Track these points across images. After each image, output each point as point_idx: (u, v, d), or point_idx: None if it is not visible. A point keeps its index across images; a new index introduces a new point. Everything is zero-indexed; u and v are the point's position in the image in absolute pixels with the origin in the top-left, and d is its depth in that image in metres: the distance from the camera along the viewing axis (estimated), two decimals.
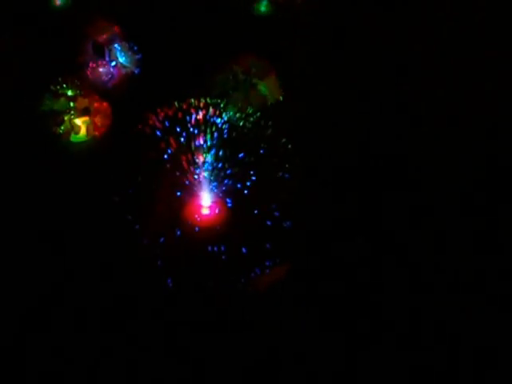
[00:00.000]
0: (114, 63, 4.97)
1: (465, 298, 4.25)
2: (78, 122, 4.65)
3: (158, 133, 4.19)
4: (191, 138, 4.09)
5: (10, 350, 3.90)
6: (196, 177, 4.10)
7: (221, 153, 4.04)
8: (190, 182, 4.10)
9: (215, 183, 4.10)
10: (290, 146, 4.32)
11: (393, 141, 4.94)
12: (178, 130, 4.13)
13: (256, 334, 4.01)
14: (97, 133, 4.68)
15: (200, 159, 4.05)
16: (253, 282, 4.06)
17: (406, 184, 4.73)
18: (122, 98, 4.88)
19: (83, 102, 4.67)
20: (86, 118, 4.67)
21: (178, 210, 4.15)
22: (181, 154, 4.09)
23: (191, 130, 4.10)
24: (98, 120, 4.68)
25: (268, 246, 4.05)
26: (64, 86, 4.59)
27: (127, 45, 5.03)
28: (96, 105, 4.70)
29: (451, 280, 4.32)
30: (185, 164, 4.08)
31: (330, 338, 4.06)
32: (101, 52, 4.96)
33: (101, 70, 4.95)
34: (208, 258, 4.01)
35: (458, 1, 5.85)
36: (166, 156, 4.13)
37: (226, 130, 4.13)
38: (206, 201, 4.17)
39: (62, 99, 4.56)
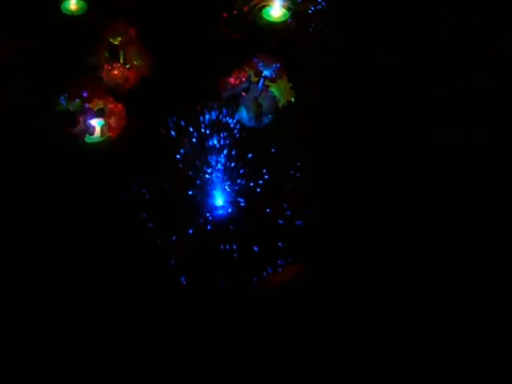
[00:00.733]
0: (128, 66, 5.05)
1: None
2: (93, 122, 4.71)
3: (172, 133, 4.25)
4: (204, 138, 4.16)
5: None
6: (209, 176, 4.16)
7: (233, 152, 4.10)
8: (202, 181, 4.16)
9: (228, 183, 4.16)
10: (301, 146, 4.38)
11: (404, 140, 4.98)
12: (191, 130, 4.19)
13: (265, 333, 4.05)
14: (111, 134, 4.75)
15: (213, 159, 4.12)
16: (265, 281, 4.11)
17: (417, 184, 4.76)
18: (137, 100, 4.95)
19: (98, 104, 4.73)
20: (101, 120, 4.74)
21: (191, 209, 4.22)
22: (194, 154, 4.16)
23: (204, 130, 4.16)
24: (112, 121, 4.74)
25: (280, 244, 4.10)
26: (80, 86, 4.65)
27: (142, 48, 5.10)
28: (111, 106, 4.76)
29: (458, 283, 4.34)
30: (198, 164, 4.14)
31: (339, 339, 4.09)
32: (116, 55, 5.03)
33: (116, 72, 5.01)
34: (220, 257, 4.07)
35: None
36: (179, 156, 4.19)
37: (237, 131, 4.19)
38: (218, 200, 4.23)
39: (78, 100, 4.63)
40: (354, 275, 4.28)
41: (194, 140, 4.17)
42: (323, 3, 5.56)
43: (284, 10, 5.71)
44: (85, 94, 4.65)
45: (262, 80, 4.77)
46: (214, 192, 4.17)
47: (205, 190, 4.17)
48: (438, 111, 5.17)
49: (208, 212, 4.11)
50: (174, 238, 4.03)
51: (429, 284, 4.24)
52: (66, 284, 4.14)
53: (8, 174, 4.61)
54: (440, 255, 4.35)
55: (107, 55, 5.06)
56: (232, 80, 4.79)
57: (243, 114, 4.73)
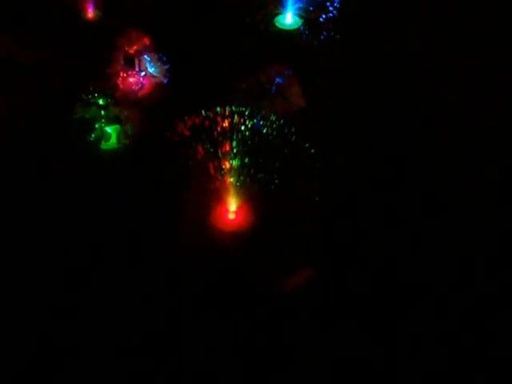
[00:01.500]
0: (143, 73, 5.12)
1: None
2: (109, 129, 4.79)
3: (186, 140, 4.32)
4: (217, 144, 4.22)
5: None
6: (222, 182, 4.22)
7: (246, 159, 4.16)
8: (216, 187, 4.22)
9: (241, 188, 4.21)
10: (312, 151, 4.43)
11: (412, 144, 5.03)
12: (205, 137, 4.26)
13: (275, 336, 4.11)
14: (127, 140, 4.83)
15: (226, 165, 4.17)
16: (279, 283, 4.16)
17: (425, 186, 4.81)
18: (152, 107, 5.03)
19: (114, 111, 4.81)
20: (117, 126, 4.81)
21: (206, 214, 4.28)
22: (208, 161, 4.22)
23: (217, 137, 4.22)
24: (128, 128, 4.83)
25: (292, 249, 4.16)
26: (95, 95, 4.74)
27: (156, 56, 5.19)
28: (126, 113, 4.85)
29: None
30: (212, 170, 4.20)
31: (350, 341, 4.14)
32: (131, 63, 5.13)
33: (131, 79, 5.10)
34: (234, 261, 4.12)
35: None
36: (193, 162, 4.25)
37: (250, 137, 4.25)
38: (232, 205, 4.29)
39: (94, 108, 4.71)
40: (362, 278, 4.34)
41: (207, 146, 4.23)
42: (334, 11, 5.63)
43: (296, 18, 5.78)
44: (101, 102, 4.74)
45: (274, 86, 4.84)
46: (228, 198, 4.23)
47: (218, 195, 4.23)
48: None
49: (221, 217, 4.19)
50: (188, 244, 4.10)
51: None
52: (76, 290, 4.24)
53: (23, 179, 4.70)
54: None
55: (123, 63, 5.15)
56: (245, 86, 4.87)
57: (256, 119, 4.79)
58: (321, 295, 4.22)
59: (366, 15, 5.80)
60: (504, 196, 4.86)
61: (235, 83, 4.92)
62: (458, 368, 4.17)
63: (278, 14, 5.80)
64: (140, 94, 5.10)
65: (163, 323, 4.12)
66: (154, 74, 5.19)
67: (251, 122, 4.52)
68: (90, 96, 4.74)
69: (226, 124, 4.20)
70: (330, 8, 5.69)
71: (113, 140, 4.80)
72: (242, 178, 4.25)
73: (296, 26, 5.79)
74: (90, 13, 5.50)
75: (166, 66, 5.25)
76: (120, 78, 5.08)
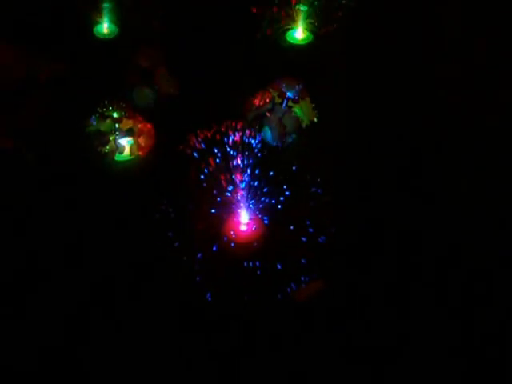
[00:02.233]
0: (157, 87, 5.23)
1: None
2: (123, 142, 4.88)
3: (198, 153, 4.39)
4: (229, 158, 4.29)
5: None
6: (233, 195, 4.29)
7: (257, 171, 4.23)
8: (227, 199, 4.29)
9: (252, 201, 4.28)
10: (321, 165, 4.49)
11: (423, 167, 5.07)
12: (216, 150, 4.33)
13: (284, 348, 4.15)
14: (140, 152, 4.92)
15: (237, 178, 4.25)
16: (291, 294, 4.20)
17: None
18: (164, 120, 5.12)
19: (127, 124, 4.90)
20: (130, 139, 4.90)
21: (216, 226, 4.35)
22: (219, 173, 4.29)
23: (229, 150, 4.29)
24: (141, 140, 4.91)
25: (303, 261, 4.21)
26: (110, 108, 4.83)
27: (169, 70, 5.28)
28: (140, 126, 4.93)
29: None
30: (223, 183, 4.27)
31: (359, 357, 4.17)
32: (145, 76, 5.22)
33: (145, 92, 5.20)
34: (244, 273, 4.18)
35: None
36: (204, 175, 4.32)
37: (261, 151, 4.32)
38: (243, 218, 4.35)
39: (108, 121, 4.81)
40: (374, 291, 4.38)
41: (218, 159, 4.30)
42: (345, 27, 5.72)
43: (307, 33, 5.87)
44: (115, 115, 4.85)
45: (285, 101, 4.93)
46: (239, 210, 4.30)
47: (229, 208, 4.30)
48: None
49: (232, 230, 4.25)
50: (199, 255, 4.16)
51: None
52: (91, 298, 4.29)
53: (37, 189, 4.79)
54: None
55: (137, 77, 5.25)
56: (256, 101, 4.95)
57: (267, 133, 4.87)
58: (331, 307, 4.28)
59: (378, 32, 5.88)
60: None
61: (246, 97, 5.00)
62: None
63: (289, 29, 5.90)
64: (154, 107, 5.21)
65: (174, 332, 4.18)
66: (167, 87, 5.30)
67: (262, 136, 4.61)
68: (104, 109, 4.84)
69: (237, 138, 4.29)
70: (341, 24, 5.79)
71: (126, 152, 4.90)
72: (252, 190, 4.33)
73: (307, 41, 5.89)
74: (106, 27, 5.63)
75: (178, 79, 5.35)
76: (134, 92, 5.19)
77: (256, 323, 4.17)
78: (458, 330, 4.21)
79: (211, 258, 4.22)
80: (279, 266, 4.11)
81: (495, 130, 5.19)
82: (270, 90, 4.99)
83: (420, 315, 4.26)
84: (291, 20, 5.86)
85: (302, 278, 4.19)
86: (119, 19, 5.70)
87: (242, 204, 4.30)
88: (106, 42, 5.65)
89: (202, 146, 4.42)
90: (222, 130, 4.37)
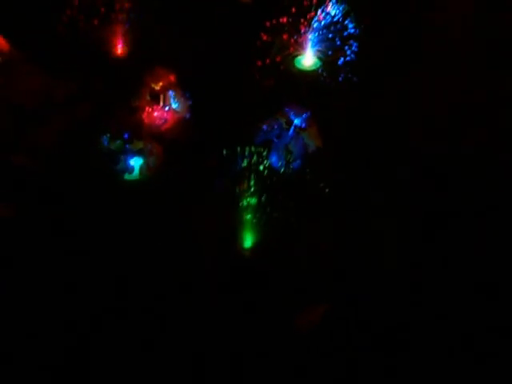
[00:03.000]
0: (167, 108, 5.32)
1: None
2: (133, 162, 4.97)
3: (207, 176, 4.48)
4: (236, 182, 4.38)
5: None
6: (240, 218, 4.38)
7: (263, 197, 4.32)
8: (233, 223, 4.37)
9: (258, 225, 4.37)
10: (327, 191, 4.57)
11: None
12: (225, 174, 4.42)
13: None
14: (149, 172, 5.00)
15: (244, 202, 4.34)
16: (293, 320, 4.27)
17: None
18: (174, 142, 5.21)
19: (138, 144, 5.00)
20: (140, 159, 4.99)
21: (221, 249, 4.43)
22: (226, 197, 4.38)
23: (237, 175, 4.39)
24: (150, 161, 5.01)
25: (307, 287, 4.28)
26: (123, 127, 4.93)
27: (180, 92, 5.37)
28: (150, 147, 5.03)
29: None
30: (229, 206, 4.36)
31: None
32: (157, 98, 5.31)
33: (156, 114, 5.29)
34: (250, 297, 4.25)
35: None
36: (213, 198, 4.41)
37: (268, 177, 4.42)
38: (247, 242, 4.43)
39: (120, 141, 4.91)
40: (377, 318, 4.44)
41: (227, 183, 4.40)
42: (352, 55, 5.84)
43: (316, 60, 5.99)
44: (126, 135, 4.96)
45: (292, 127, 5.04)
46: (244, 233, 4.40)
47: (235, 231, 4.39)
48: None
49: (237, 253, 4.35)
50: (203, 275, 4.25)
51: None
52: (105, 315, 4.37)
53: (47, 206, 4.87)
54: None
55: (148, 98, 5.35)
56: (265, 127, 5.06)
57: (274, 158, 4.98)
58: (334, 332, 4.34)
59: (384, 59, 6.00)
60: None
61: (255, 123, 5.11)
62: None
63: (297, 56, 6.02)
64: (163, 128, 5.31)
65: (177, 353, 4.24)
66: (177, 109, 5.41)
67: (269, 162, 4.71)
68: (117, 128, 4.94)
69: (244, 164, 4.40)
70: (348, 52, 5.91)
71: (136, 172, 4.99)
72: (258, 215, 4.42)
73: (315, 68, 6.00)
74: (120, 48, 5.75)
75: (189, 102, 5.46)
76: (145, 113, 5.30)
77: (259, 345, 4.23)
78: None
79: (216, 277, 4.30)
80: (286, 291, 4.18)
81: None
82: (278, 116, 5.07)
83: (421, 344, 4.33)
84: (300, 47, 5.99)
85: (306, 304, 4.26)
86: (134, 41, 5.84)
87: (247, 227, 4.38)
88: (119, 63, 5.78)
89: (211, 168, 4.52)
90: (231, 154, 4.47)
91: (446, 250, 4.76)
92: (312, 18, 5.82)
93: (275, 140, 4.91)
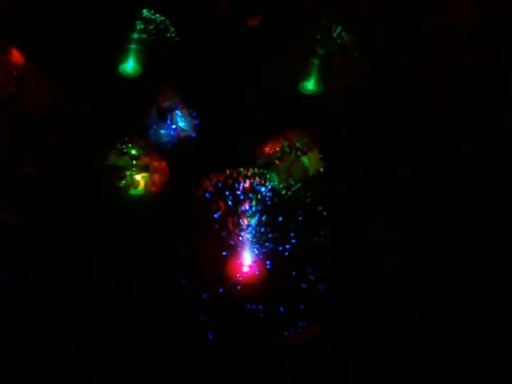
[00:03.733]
0: (174, 126, 5.49)
1: None
2: (138, 177, 5.12)
3: (209, 195, 4.62)
4: (238, 202, 4.52)
5: None
6: (240, 238, 4.51)
7: (264, 218, 4.46)
8: (234, 242, 4.51)
9: (257, 245, 4.50)
10: (325, 214, 4.71)
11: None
12: (227, 194, 4.56)
13: None
14: (154, 189, 5.16)
15: (245, 222, 4.48)
16: (286, 339, 4.38)
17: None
18: (180, 159, 5.37)
19: (144, 160, 5.16)
20: (145, 175, 5.15)
21: (222, 267, 4.56)
22: (228, 217, 4.52)
23: (238, 195, 4.53)
24: (155, 177, 5.16)
25: (302, 307, 4.40)
26: (129, 145, 5.09)
27: (187, 111, 5.54)
28: (155, 163, 5.18)
29: None
30: (231, 226, 4.49)
31: None
32: (164, 116, 5.48)
33: (162, 132, 5.46)
34: (246, 315, 4.37)
35: None
36: (214, 217, 4.54)
37: (269, 198, 4.56)
38: (247, 260, 4.56)
39: (126, 157, 5.07)
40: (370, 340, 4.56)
41: (229, 203, 4.53)
42: (354, 81, 6.03)
43: (319, 84, 6.17)
44: (133, 151, 5.12)
45: (294, 151, 5.20)
46: (244, 253, 4.53)
47: (236, 251, 4.53)
48: None
49: (238, 271, 4.48)
50: (204, 295, 4.36)
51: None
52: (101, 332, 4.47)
53: (54, 218, 5.00)
54: None
55: (156, 116, 5.52)
56: (267, 149, 5.23)
57: (275, 180, 5.13)
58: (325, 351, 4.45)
59: (386, 85, 6.17)
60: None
61: (257, 146, 5.28)
62: None
63: (302, 80, 6.20)
64: (169, 146, 5.53)
65: (175, 369, 4.32)
66: (184, 128, 5.58)
67: (270, 184, 4.85)
68: (124, 146, 5.12)
69: (247, 184, 4.53)
70: (350, 77, 6.10)
71: (141, 188, 5.15)
72: (258, 234, 4.56)
73: (319, 92, 6.17)
74: (131, 67, 5.96)
75: (195, 122, 5.63)
76: (152, 130, 5.48)
77: (254, 363, 4.35)
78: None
79: (216, 298, 4.41)
80: (281, 310, 4.30)
81: None
82: (281, 139, 5.24)
83: (418, 363, 4.43)
84: (305, 71, 6.18)
85: (300, 323, 4.37)
86: (143, 60, 6.04)
87: (246, 247, 4.51)
88: (130, 81, 5.98)
89: (214, 188, 4.65)
90: (234, 175, 4.61)
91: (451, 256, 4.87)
92: (316, 44, 6.00)
93: (276, 162, 5.04)
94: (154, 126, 5.46)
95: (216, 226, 4.56)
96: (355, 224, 5.17)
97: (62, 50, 5.86)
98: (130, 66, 6.04)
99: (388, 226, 5.21)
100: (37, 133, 5.40)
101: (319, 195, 5.11)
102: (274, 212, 4.57)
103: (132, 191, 5.13)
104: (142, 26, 5.92)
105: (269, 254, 4.52)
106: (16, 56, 5.70)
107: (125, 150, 5.11)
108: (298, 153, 5.17)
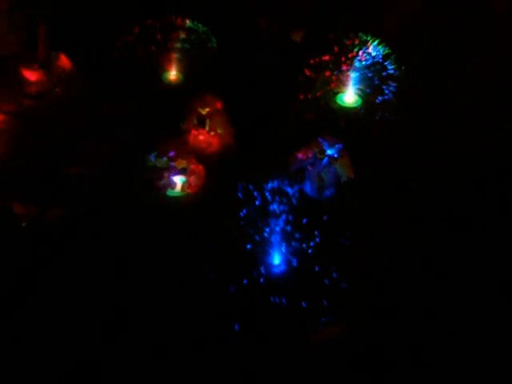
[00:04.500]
0: (213, 133, 5.70)
1: None
2: (175, 179, 5.35)
3: (240, 195, 4.80)
4: (267, 203, 4.70)
5: None
6: (268, 237, 4.68)
7: (290, 218, 4.61)
8: (262, 240, 4.68)
9: (284, 244, 4.66)
10: (353, 217, 4.84)
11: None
12: (256, 195, 4.73)
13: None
14: (190, 190, 5.36)
15: (273, 222, 4.65)
16: (309, 337, 4.49)
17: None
18: (216, 164, 5.56)
19: (182, 163, 5.37)
20: (183, 177, 5.37)
21: (254, 263, 4.72)
22: (257, 217, 4.70)
23: (267, 195, 4.71)
24: (192, 180, 5.37)
25: (325, 303, 4.51)
26: (168, 148, 5.33)
27: (225, 118, 5.75)
28: (192, 167, 5.40)
29: None
30: (260, 225, 4.67)
31: None
32: (203, 123, 5.71)
33: (201, 137, 5.69)
34: (270, 309, 4.51)
35: None
36: (244, 217, 4.73)
37: (296, 199, 4.72)
38: (275, 259, 4.71)
39: (165, 158, 5.30)
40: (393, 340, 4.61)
41: (257, 203, 4.71)
42: (390, 94, 6.15)
43: (357, 97, 6.33)
44: (171, 154, 5.35)
45: (326, 157, 5.34)
46: (272, 251, 4.70)
47: (263, 249, 4.69)
48: None
49: (263, 267, 4.63)
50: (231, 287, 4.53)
51: None
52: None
53: (96, 219, 5.24)
54: None
55: (195, 122, 5.76)
56: (300, 155, 5.39)
57: (307, 185, 5.29)
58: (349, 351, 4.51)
59: (421, 99, 6.27)
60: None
61: (293, 154, 5.43)
62: None
63: (339, 92, 6.38)
64: (208, 151, 5.68)
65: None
66: (222, 134, 5.75)
67: (301, 188, 5.00)
68: (163, 148, 5.36)
69: (275, 186, 4.72)
70: (387, 91, 6.23)
71: (178, 189, 5.39)
72: (287, 233, 4.73)
73: (355, 105, 6.33)
74: (173, 75, 6.26)
75: (233, 129, 5.85)
76: (191, 135, 5.70)
77: (274, 357, 4.44)
78: None
79: (242, 291, 4.57)
80: (303, 305, 4.42)
81: None
82: (313, 146, 5.39)
83: (440, 365, 4.46)
84: (342, 84, 6.35)
85: (323, 320, 4.48)
86: (185, 69, 6.33)
87: (274, 246, 4.67)
88: (171, 88, 6.28)
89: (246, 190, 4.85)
90: (266, 177, 4.80)
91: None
92: (353, 58, 6.16)
93: (309, 168, 5.18)
94: (193, 131, 5.67)
95: (245, 225, 4.74)
96: (382, 229, 5.23)
97: (108, 59, 6.19)
98: (172, 74, 6.32)
99: (416, 237, 5.24)
100: (81, 137, 5.72)
101: (349, 201, 5.24)
102: (301, 212, 4.73)
103: (169, 191, 5.33)
104: (185, 36, 6.22)
105: (295, 252, 4.67)
106: (64, 61, 6.07)
107: (164, 152, 5.32)
108: (330, 159, 5.28)
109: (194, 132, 5.70)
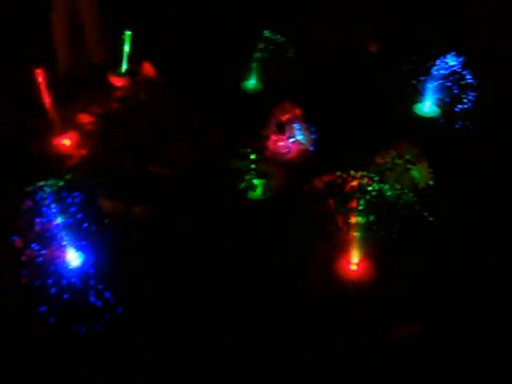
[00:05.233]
0: (292, 139, 5.86)
1: None
2: (256, 182, 5.52)
3: (321, 195, 4.92)
4: (346, 201, 4.80)
5: None
6: (348, 235, 4.76)
7: (371, 217, 4.69)
8: (343, 239, 4.77)
9: (365, 242, 4.74)
10: (431, 219, 4.88)
11: None
12: (337, 193, 4.85)
13: None
14: (270, 193, 5.52)
15: (352, 220, 4.73)
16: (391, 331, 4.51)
17: None
18: (295, 169, 5.71)
19: (262, 167, 5.55)
20: (263, 180, 5.53)
21: (330, 264, 4.82)
22: (337, 214, 4.80)
23: (347, 194, 4.81)
24: (272, 182, 5.53)
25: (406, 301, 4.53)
26: (249, 151, 5.51)
27: (305, 125, 5.90)
28: (273, 170, 5.57)
29: None
30: (340, 223, 4.77)
31: None
32: (282, 129, 5.88)
33: (280, 143, 5.86)
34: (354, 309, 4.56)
35: None
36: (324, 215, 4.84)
37: (376, 198, 4.80)
38: (355, 257, 4.77)
39: (247, 161, 5.49)
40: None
41: (338, 201, 4.83)
42: (469, 104, 6.19)
43: (434, 107, 6.39)
44: (252, 157, 5.54)
45: (402, 162, 5.40)
46: (352, 249, 4.78)
47: (343, 247, 4.78)
48: None
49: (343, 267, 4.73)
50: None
51: None
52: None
53: (179, 218, 5.43)
54: None
55: (275, 128, 5.94)
56: (378, 159, 5.45)
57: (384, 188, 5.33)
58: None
59: (499, 107, 6.28)
60: None
61: (369, 156, 5.51)
62: None
63: (417, 102, 6.47)
64: (287, 157, 5.82)
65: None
66: (302, 141, 5.90)
67: (379, 187, 5.08)
68: (246, 150, 5.53)
69: (355, 183, 4.81)
70: (465, 100, 6.27)
71: (258, 191, 5.53)
72: (365, 233, 4.80)
73: (433, 115, 6.40)
74: (253, 83, 6.54)
75: (313, 136, 5.99)
76: (271, 141, 5.86)
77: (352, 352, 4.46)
78: None
79: (322, 292, 4.65)
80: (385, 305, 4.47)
81: None
82: (391, 151, 5.46)
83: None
84: (420, 95, 6.44)
85: (405, 318, 4.50)
86: (265, 78, 6.58)
87: (354, 244, 4.75)
88: (251, 96, 6.53)
89: (323, 189, 4.97)
90: (344, 176, 4.90)
91: None
92: (432, 67, 6.23)
93: (387, 172, 5.25)
94: (273, 137, 5.85)
95: (326, 224, 4.84)
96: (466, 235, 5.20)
97: (191, 68, 6.51)
98: (252, 82, 6.56)
99: (492, 245, 5.20)
100: (167, 139, 6.00)
101: (427, 206, 5.23)
102: (381, 212, 4.79)
103: (250, 194, 5.49)
104: (264, 46, 6.48)
105: (376, 251, 4.74)
106: (148, 68, 6.45)
107: (246, 155, 5.51)
108: (408, 164, 5.34)
109: (273, 137, 5.86)
